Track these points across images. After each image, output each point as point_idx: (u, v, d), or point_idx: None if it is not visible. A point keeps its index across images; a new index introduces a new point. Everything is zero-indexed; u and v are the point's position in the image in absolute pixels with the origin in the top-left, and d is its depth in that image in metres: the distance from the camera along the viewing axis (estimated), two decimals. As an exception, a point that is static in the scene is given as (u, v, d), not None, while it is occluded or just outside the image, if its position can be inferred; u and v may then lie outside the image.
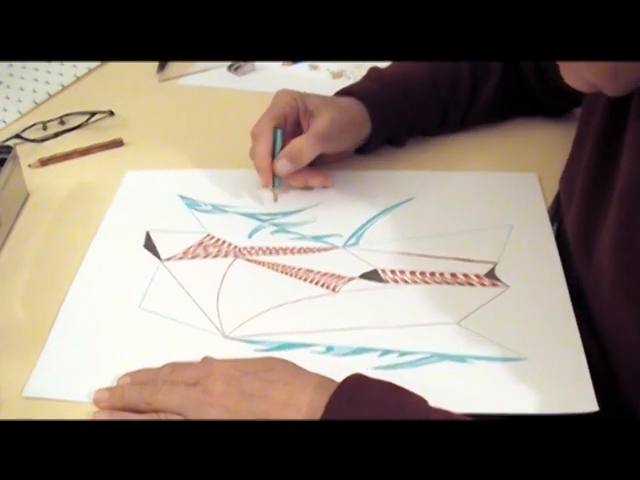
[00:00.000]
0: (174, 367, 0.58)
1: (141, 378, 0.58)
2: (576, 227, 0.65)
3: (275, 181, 0.75)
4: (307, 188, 0.78)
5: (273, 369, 0.56)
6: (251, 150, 0.76)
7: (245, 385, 0.54)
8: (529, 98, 0.84)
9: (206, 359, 0.59)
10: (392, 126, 0.79)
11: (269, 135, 0.74)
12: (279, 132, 0.74)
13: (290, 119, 0.75)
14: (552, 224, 0.73)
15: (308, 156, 0.74)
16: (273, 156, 0.74)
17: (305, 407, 0.52)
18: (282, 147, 0.74)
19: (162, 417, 0.55)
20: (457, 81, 0.81)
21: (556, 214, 0.75)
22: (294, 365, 0.57)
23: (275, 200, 0.76)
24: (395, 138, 0.82)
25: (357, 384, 0.53)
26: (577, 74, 0.55)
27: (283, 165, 0.73)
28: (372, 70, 0.82)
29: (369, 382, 0.53)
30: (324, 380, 0.54)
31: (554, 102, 0.84)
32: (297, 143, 0.73)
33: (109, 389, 0.58)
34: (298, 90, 0.77)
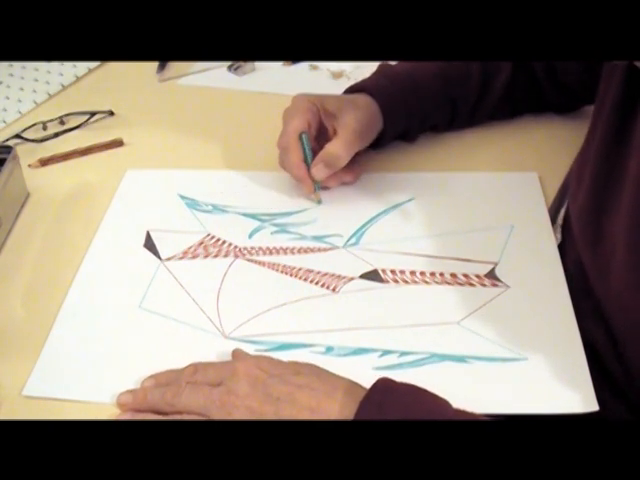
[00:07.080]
0: (197, 367, 0.57)
1: (164, 380, 0.58)
2: (584, 211, 0.64)
3: (315, 186, 0.75)
4: (344, 184, 0.78)
5: (300, 373, 0.55)
6: (281, 161, 0.76)
7: (272, 388, 0.54)
8: (538, 94, 0.84)
9: (232, 359, 0.59)
10: (403, 121, 0.79)
11: (297, 144, 0.74)
12: (305, 137, 0.74)
13: (313, 124, 0.76)
14: (552, 224, 0.73)
15: (345, 159, 0.74)
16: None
17: (335, 415, 0.52)
18: (312, 151, 0.75)
19: (185, 418, 0.54)
20: (467, 76, 0.81)
21: (558, 210, 0.75)
22: (320, 368, 0.56)
23: (319, 202, 0.76)
24: (406, 133, 0.81)
25: (385, 390, 0.53)
26: None
27: (320, 170, 0.74)
28: (382, 65, 0.82)
29: (396, 387, 0.53)
30: (351, 385, 0.54)
31: (562, 99, 0.84)
32: (332, 148, 0.74)
33: (132, 391, 0.57)
34: (308, 92, 0.77)
